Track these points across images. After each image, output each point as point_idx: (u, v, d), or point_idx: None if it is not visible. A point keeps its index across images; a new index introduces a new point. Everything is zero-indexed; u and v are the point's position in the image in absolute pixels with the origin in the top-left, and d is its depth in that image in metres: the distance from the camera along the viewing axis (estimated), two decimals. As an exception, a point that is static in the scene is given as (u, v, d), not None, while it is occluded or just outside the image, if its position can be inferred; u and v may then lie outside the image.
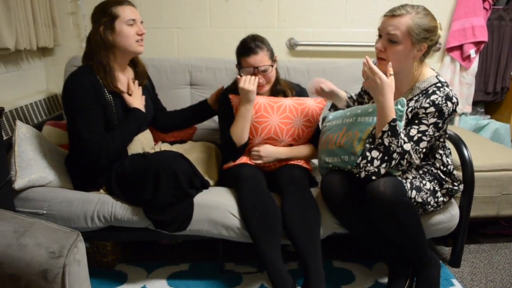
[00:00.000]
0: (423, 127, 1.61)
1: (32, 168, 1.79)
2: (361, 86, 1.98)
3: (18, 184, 1.74)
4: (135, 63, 2.00)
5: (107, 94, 1.81)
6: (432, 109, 1.59)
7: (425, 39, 1.60)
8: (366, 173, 1.61)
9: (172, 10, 2.66)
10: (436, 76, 1.68)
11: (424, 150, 1.62)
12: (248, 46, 1.91)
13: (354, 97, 1.99)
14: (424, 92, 1.66)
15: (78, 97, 1.74)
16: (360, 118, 1.73)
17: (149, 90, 2.10)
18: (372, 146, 1.60)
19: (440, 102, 1.59)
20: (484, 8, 2.79)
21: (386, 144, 1.57)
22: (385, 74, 1.59)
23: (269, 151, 1.98)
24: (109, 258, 2.01)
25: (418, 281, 1.75)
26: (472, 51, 2.79)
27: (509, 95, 3.00)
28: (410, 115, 1.66)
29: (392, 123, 1.56)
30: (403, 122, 1.62)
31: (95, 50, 1.80)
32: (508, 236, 2.39)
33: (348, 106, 1.94)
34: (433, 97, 1.60)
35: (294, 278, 1.70)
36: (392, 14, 1.61)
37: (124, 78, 1.93)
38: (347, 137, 1.74)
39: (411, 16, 1.58)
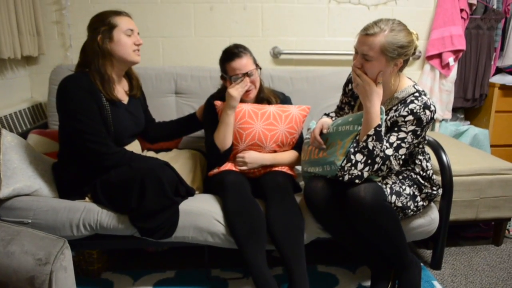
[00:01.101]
0: (402, 134, 1.65)
1: (17, 177, 1.79)
2: (340, 99, 2.01)
3: (3, 193, 1.73)
4: (129, 75, 2.03)
5: (104, 100, 1.82)
6: (410, 117, 1.64)
7: (399, 55, 1.61)
8: (350, 176, 1.64)
9: (157, 19, 2.69)
10: (414, 86, 1.73)
11: (403, 156, 1.67)
12: (232, 52, 1.97)
13: (335, 115, 2.03)
14: (402, 101, 1.71)
15: (77, 96, 1.75)
16: (341, 128, 1.77)
17: (141, 102, 2.12)
18: (356, 149, 1.65)
19: (418, 111, 1.64)
20: (462, 17, 2.87)
21: (370, 147, 1.61)
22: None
23: (253, 157, 2.01)
24: (95, 266, 2.01)
25: (400, 283, 1.79)
26: (451, 59, 2.87)
27: (487, 101, 3.08)
28: (389, 124, 1.71)
29: (377, 128, 1.61)
30: (383, 129, 1.66)
31: (92, 59, 1.81)
32: (487, 239, 2.45)
33: None
34: (411, 106, 1.65)
35: (279, 283, 1.72)
36: (366, 33, 1.61)
37: (120, 89, 1.95)
38: (330, 147, 1.78)
39: (384, 35, 1.58)
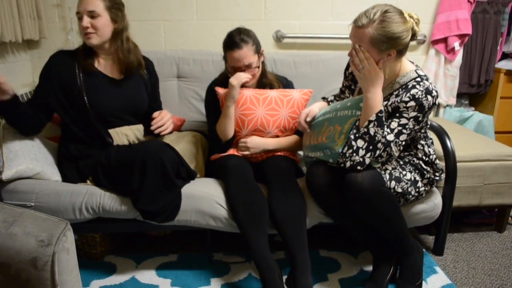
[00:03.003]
0: (403, 121, 1.63)
1: (19, 159, 1.79)
2: (342, 82, 1.99)
3: (5, 175, 1.74)
4: (121, 56, 1.98)
5: (79, 72, 1.87)
6: (412, 103, 1.62)
7: (391, 47, 1.57)
8: (352, 162, 1.63)
9: (159, 2, 2.66)
10: (416, 70, 1.70)
11: (403, 142, 1.65)
12: (233, 40, 1.92)
13: (333, 98, 2.02)
14: (404, 86, 1.68)
15: (43, 68, 1.89)
16: (340, 113, 1.76)
17: (145, 82, 2.07)
18: (357, 135, 1.63)
19: (420, 96, 1.61)
20: (469, 1, 2.82)
21: (372, 133, 1.60)
22: None
23: (256, 143, 2.00)
24: (98, 250, 2.02)
25: (402, 268, 1.79)
26: (456, 44, 2.83)
27: (492, 87, 3.05)
28: (390, 109, 1.68)
29: (379, 114, 1.59)
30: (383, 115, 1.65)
31: None
32: (490, 225, 2.45)
33: None
34: (413, 91, 1.62)
35: (281, 267, 1.72)
36: (355, 25, 1.58)
37: (106, 64, 1.95)
38: (329, 132, 1.76)
39: (373, 26, 1.54)
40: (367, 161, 1.62)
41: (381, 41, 1.55)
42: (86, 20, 1.80)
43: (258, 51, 1.97)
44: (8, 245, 1.02)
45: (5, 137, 1.79)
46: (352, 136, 1.64)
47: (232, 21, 2.69)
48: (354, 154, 1.62)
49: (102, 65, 1.92)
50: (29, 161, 1.82)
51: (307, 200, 1.83)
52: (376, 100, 1.60)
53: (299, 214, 1.77)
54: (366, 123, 1.61)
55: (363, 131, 1.61)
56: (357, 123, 1.66)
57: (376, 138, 1.60)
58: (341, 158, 1.66)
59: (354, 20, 1.59)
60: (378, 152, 1.61)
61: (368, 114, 1.61)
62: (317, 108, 1.93)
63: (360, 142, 1.62)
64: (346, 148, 1.64)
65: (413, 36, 1.62)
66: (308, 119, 1.89)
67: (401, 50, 1.63)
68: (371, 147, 1.61)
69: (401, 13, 1.59)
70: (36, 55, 2.66)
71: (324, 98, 2.03)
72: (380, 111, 1.60)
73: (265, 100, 1.99)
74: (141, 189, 1.73)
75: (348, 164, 1.64)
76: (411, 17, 1.61)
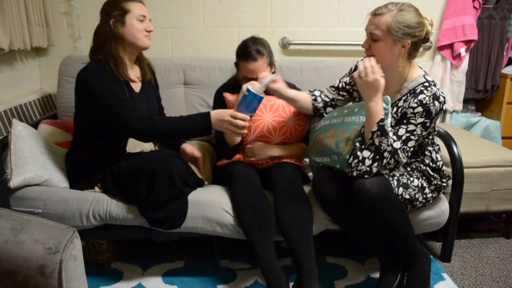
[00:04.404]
0: (411, 127, 1.63)
1: (28, 166, 1.80)
2: (343, 81, 1.95)
3: (13, 182, 1.75)
4: (140, 61, 2.01)
5: (124, 84, 1.83)
6: (419, 109, 1.62)
7: (406, 35, 1.60)
8: (358, 172, 1.62)
9: (166, 10, 2.68)
10: (424, 76, 1.71)
11: (411, 149, 1.65)
12: (249, 51, 1.92)
13: (328, 98, 1.95)
14: (412, 91, 1.68)
15: (99, 82, 1.74)
16: (347, 118, 1.75)
17: (154, 89, 2.10)
18: (363, 147, 1.62)
19: (428, 102, 1.61)
20: (474, 7, 2.82)
21: (377, 144, 1.59)
22: None
23: (262, 149, 2.00)
24: (104, 256, 2.03)
25: (409, 275, 1.78)
26: (462, 50, 2.83)
27: (499, 93, 3.04)
28: (399, 115, 1.69)
29: (380, 123, 1.59)
30: (389, 120, 1.64)
31: (104, 43, 1.81)
32: (497, 231, 2.43)
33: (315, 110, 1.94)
34: (420, 97, 1.63)
35: (287, 274, 1.72)
36: (374, 13, 1.64)
37: (132, 73, 1.95)
38: (335, 137, 1.76)
39: (392, 14, 1.60)
40: (375, 170, 1.61)
41: (398, 27, 1.59)
42: (150, 24, 1.89)
43: (271, 62, 1.99)
44: (16, 253, 1.03)
45: (14, 144, 1.81)
46: (357, 145, 1.63)
47: (239, 28, 2.71)
48: (360, 164, 1.61)
49: (131, 75, 1.93)
50: (37, 169, 1.84)
51: (313, 206, 1.83)
52: (378, 109, 1.60)
53: (305, 220, 1.77)
54: (370, 134, 1.60)
55: (368, 143, 1.61)
56: (362, 130, 1.66)
57: (382, 147, 1.59)
58: (347, 168, 1.66)
59: (374, 10, 1.65)
60: (385, 160, 1.61)
61: (371, 124, 1.60)
62: (292, 92, 1.88)
63: (366, 153, 1.61)
64: (351, 158, 1.64)
65: (426, 35, 1.66)
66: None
67: (416, 44, 1.65)
68: (377, 157, 1.60)
69: (417, 10, 1.65)
70: (44, 62, 2.69)
71: (311, 92, 1.98)
72: (381, 120, 1.59)
73: (272, 106, 2.00)
74: (149, 198, 1.73)
75: (355, 173, 1.63)
76: (425, 18, 1.66)
